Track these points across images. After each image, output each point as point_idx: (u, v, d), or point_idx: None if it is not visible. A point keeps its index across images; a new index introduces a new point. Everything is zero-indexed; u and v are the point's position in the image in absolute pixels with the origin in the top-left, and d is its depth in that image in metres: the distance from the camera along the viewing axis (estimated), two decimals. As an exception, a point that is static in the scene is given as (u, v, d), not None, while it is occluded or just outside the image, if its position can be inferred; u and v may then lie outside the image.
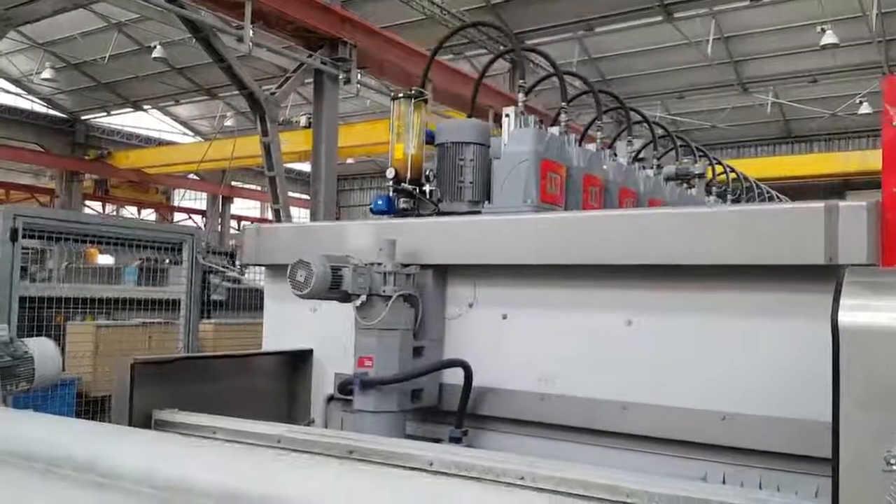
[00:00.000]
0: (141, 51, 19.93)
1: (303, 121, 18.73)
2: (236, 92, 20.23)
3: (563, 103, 3.93)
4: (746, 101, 20.99)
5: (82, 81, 22.73)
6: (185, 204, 29.89)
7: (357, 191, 31.93)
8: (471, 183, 3.46)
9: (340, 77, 11.76)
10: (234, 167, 21.21)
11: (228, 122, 24.89)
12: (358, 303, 2.87)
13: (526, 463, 1.98)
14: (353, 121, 20.24)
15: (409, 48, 13.21)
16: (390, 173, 3.56)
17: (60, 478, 1.51)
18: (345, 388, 2.97)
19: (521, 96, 3.70)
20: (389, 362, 2.85)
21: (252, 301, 9.38)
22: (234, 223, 30.59)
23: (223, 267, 8.48)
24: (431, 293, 3.05)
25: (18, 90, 23.30)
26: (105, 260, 14.53)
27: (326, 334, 3.49)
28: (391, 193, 3.63)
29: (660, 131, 5.46)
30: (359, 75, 12.03)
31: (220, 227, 27.94)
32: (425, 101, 3.62)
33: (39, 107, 24.18)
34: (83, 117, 24.86)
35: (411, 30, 15.86)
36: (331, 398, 3.37)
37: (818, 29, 16.25)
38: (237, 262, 9.62)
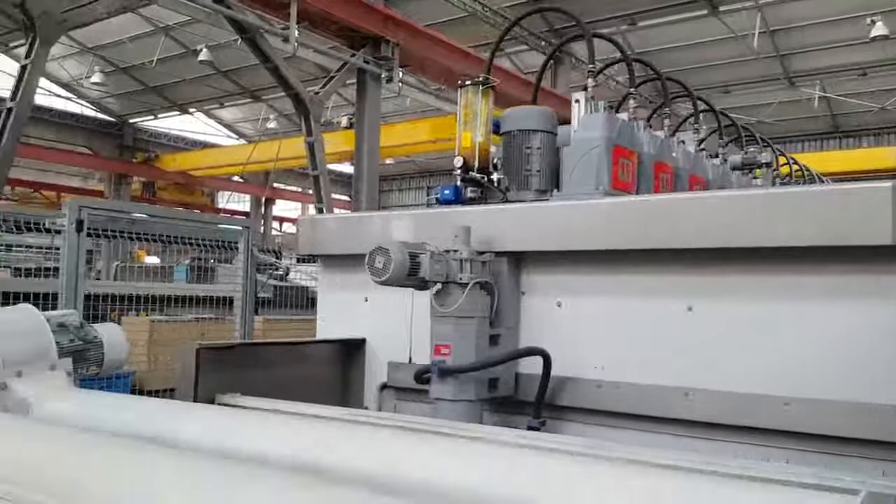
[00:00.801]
0: (187, 54, 20.34)
1: (344, 121, 18.92)
2: (279, 94, 20.50)
3: (632, 89, 3.86)
4: (793, 95, 20.57)
5: (130, 85, 23.27)
6: (229, 206, 30.43)
7: (396, 192, 32.11)
8: (538, 171, 3.42)
9: (383, 76, 11.86)
10: (277, 169, 21.50)
11: (271, 125, 25.25)
12: (434, 290, 2.83)
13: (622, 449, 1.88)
14: (393, 121, 20.36)
15: (451, 46, 13.24)
16: (458, 162, 3.52)
17: (173, 453, 1.55)
18: (421, 376, 2.94)
19: (590, 81, 3.64)
20: (466, 350, 2.82)
21: (298, 299, 9.53)
22: (276, 224, 31.06)
23: (271, 264, 8.62)
24: (506, 280, 3.00)
25: (69, 94, 23.95)
26: (152, 260, 14.89)
27: (379, 324, 3.53)
28: (458, 183, 3.59)
29: (725, 121, 5.39)
30: (400, 74, 12.12)
31: (262, 228, 28.36)
32: (493, 89, 3.59)
33: (89, 110, 24.82)
34: (131, 121, 25.45)
35: (453, 27, 15.89)
36: (384, 386, 3.40)
37: (867, 21, 15.85)
38: (282, 259, 9.79)
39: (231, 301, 5.95)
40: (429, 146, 17.81)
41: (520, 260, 3.05)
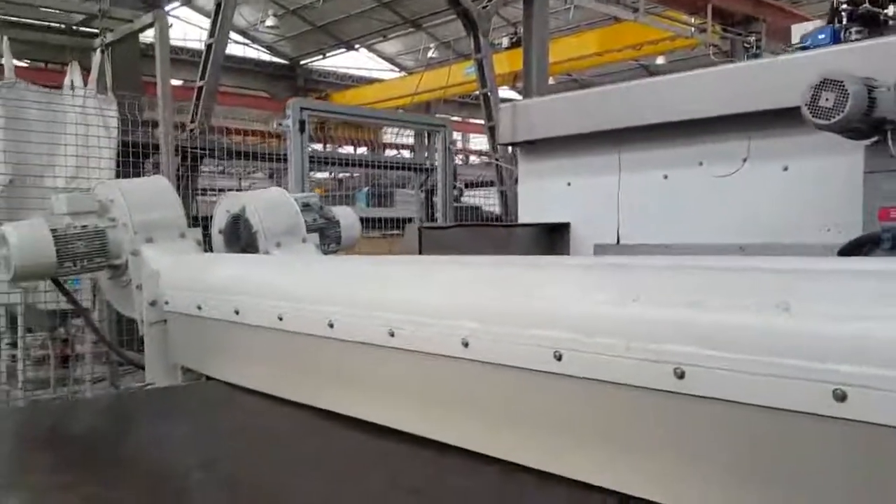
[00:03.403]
0: (352, -12, 20.94)
1: (505, 42, 18.76)
2: (439, 21, 20.55)
3: None
4: None
5: (300, 26, 24.33)
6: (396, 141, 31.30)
7: (558, 114, 31.51)
8: None
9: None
10: (441, 98, 21.81)
11: (432, 54, 25.52)
12: (873, 138, 2.26)
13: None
14: (554, 37, 19.89)
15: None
16: None
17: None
18: (860, 247, 2.34)
19: None
20: None
21: (471, 218, 9.88)
22: (437, 158, 31.61)
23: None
24: None
25: (245, 40, 25.45)
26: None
27: (584, 207, 3.59)
28: (835, 24, 3.07)
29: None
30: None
31: (427, 157, 29.00)
32: None
33: (264, 55, 26.28)
34: (302, 62, 26.68)
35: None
36: (593, 266, 3.49)
37: None
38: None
39: (408, 221, 6.26)
40: (595, 60, 17.27)
41: None
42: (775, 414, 1.00)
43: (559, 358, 1.25)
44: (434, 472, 1.41)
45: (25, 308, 5.30)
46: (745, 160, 3.08)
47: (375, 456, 1.51)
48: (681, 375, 1.08)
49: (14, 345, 5.42)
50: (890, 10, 2.79)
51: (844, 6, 2.82)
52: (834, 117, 2.14)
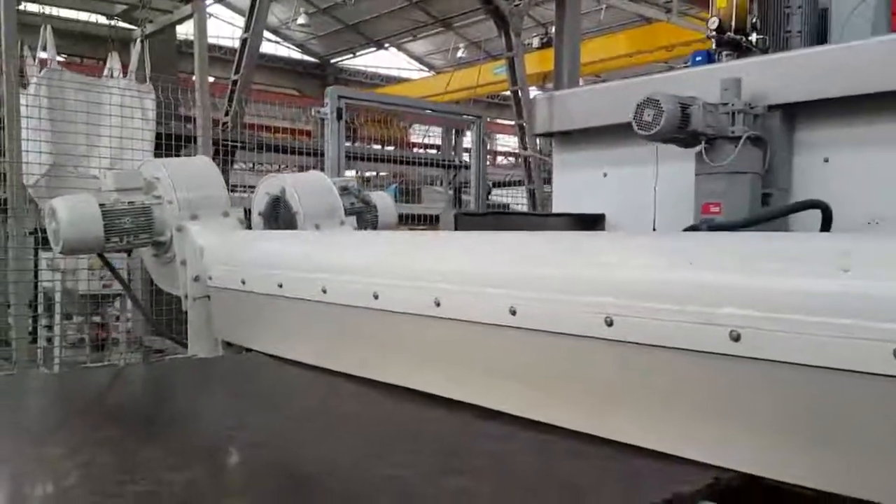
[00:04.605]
0: (383, -13, 21.04)
1: (535, 42, 18.70)
2: (468, 21, 20.55)
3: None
4: None
5: (331, 25, 24.49)
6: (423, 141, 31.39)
7: (586, 116, 31.41)
8: (798, 32, 3.22)
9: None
10: (466, 100, 21.82)
11: (460, 54, 25.56)
12: (701, 146, 2.75)
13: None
14: (585, 37, 19.81)
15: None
16: (713, 23, 3.39)
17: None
18: None
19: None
20: (738, 208, 2.71)
21: (500, 214, 9.99)
22: (465, 157, 31.64)
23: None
24: (779, 136, 2.85)
25: (276, 38, 25.66)
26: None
27: (619, 198, 3.58)
28: (712, 48, 3.50)
29: None
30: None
31: (455, 157, 29.02)
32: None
33: (295, 53, 26.49)
34: (332, 61, 26.85)
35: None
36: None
37: None
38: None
39: (435, 219, 6.29)
40: (625, 60, 17.16)
41: (793, 115, 2.88)
42: (833, 374, 1.00)
43: (610, 324, 1.26)
44: (475, 438, 1.42)
45: (63, 292, 5.41)
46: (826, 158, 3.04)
47: (420, 423, 1.53)
48: (736, 338, 1.09)
49: (51, 328, 5.54)
50: (753, 38, 3.42)
51: (714, 34, 3.43)
52: (653, 129, 2.60)
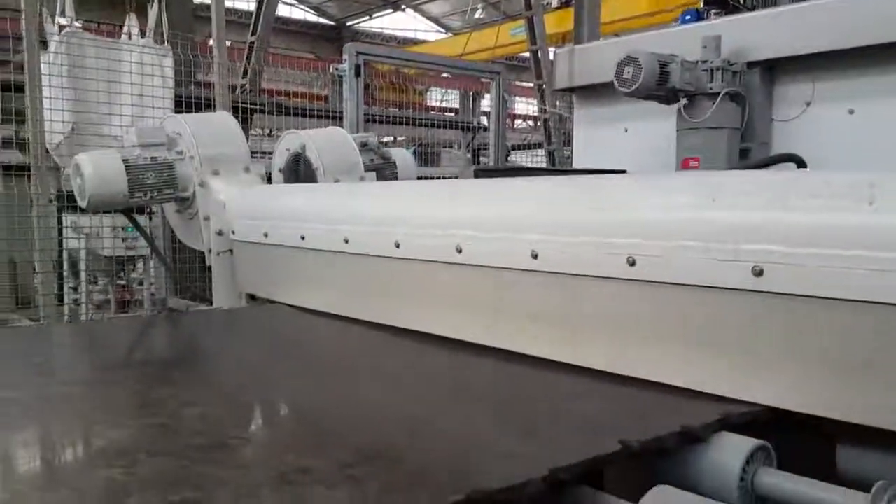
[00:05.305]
0: (398, -54, 20.66)
1: (555, 2, 18.37)
2: (488, -21, 20.12)
3: None
4: None
5: (346, -14, 24.23)
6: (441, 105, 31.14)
7: (605, 78, 30.95)
8: None
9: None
10: (484, 62, 21.54)
11: (478, 14, 25.19)
12: (682, 102, 2.88)
13: None
14: (606, -2, 19.43)
15: None
16: None
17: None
18: None
19: None
20: (716, 162, 2.75)
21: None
22: (483, 119, 31.39)
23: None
24: (759, 93, 2.90)
25: (292, 0, 25.43)
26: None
27: (641, 153, 3.55)
28: (700, 7, 3.54)
29: None
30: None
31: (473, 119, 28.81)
32: None
33: (310, 16, 26.26)
34: (348, 23, 26.60)
35: None
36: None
37: None
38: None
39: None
40: (646, 20, 16.83)
41: (773, 69, 2.91)
42: (859, 307, 1.00)
43: (632, 264, 1.26)
44: (501, 379, 1.44)
45: (87, 254, 5.49)
46: (808, 104, 3.02)
47: (442, 367, 1.55)
48: (759, 273, 1.09)
49: (76, 289, 5.63)
50: None
51: (702, -8, 3.40)
52: (632, 86, 2.71)
